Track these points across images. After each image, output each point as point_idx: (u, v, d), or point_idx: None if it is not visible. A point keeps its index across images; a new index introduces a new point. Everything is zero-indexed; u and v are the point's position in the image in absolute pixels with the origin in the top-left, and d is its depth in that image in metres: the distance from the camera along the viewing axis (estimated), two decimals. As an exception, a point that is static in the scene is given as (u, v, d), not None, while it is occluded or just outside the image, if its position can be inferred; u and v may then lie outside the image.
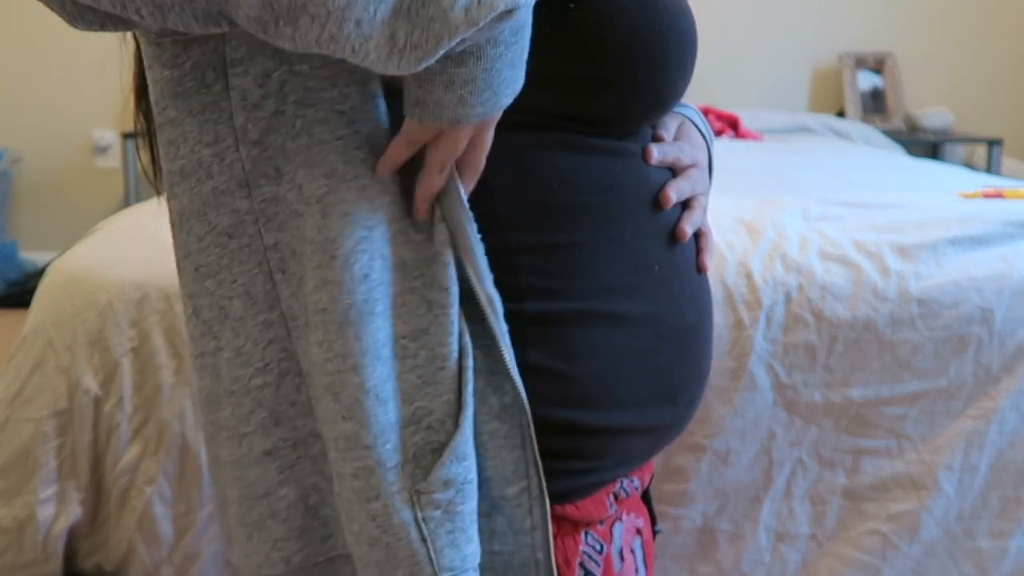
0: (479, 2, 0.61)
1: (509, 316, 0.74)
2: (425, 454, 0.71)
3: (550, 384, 0.75)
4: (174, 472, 1.37)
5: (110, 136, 4.18)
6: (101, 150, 4.20)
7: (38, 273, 3.75)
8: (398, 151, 0.71)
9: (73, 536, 1.40)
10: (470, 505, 0.72)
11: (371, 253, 0.70)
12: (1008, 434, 1.45)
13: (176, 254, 0.76)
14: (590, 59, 0.75)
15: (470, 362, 0.72)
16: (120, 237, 1.62)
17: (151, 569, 1.38)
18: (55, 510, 1.38)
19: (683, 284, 0.83)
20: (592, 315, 0.77)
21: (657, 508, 1.42)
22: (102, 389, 1.38)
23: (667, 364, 0.81)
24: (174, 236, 0.76)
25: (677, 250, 0.83)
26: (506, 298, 0.74)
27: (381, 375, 0.70)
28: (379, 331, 0.70)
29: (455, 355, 0.71)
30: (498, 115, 0.69)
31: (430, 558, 0.70)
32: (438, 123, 0.68)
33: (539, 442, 0.74)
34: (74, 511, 1.38)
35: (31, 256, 4.14)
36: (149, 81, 0.74)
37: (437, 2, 0.61)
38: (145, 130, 0.85)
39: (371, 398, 0.70)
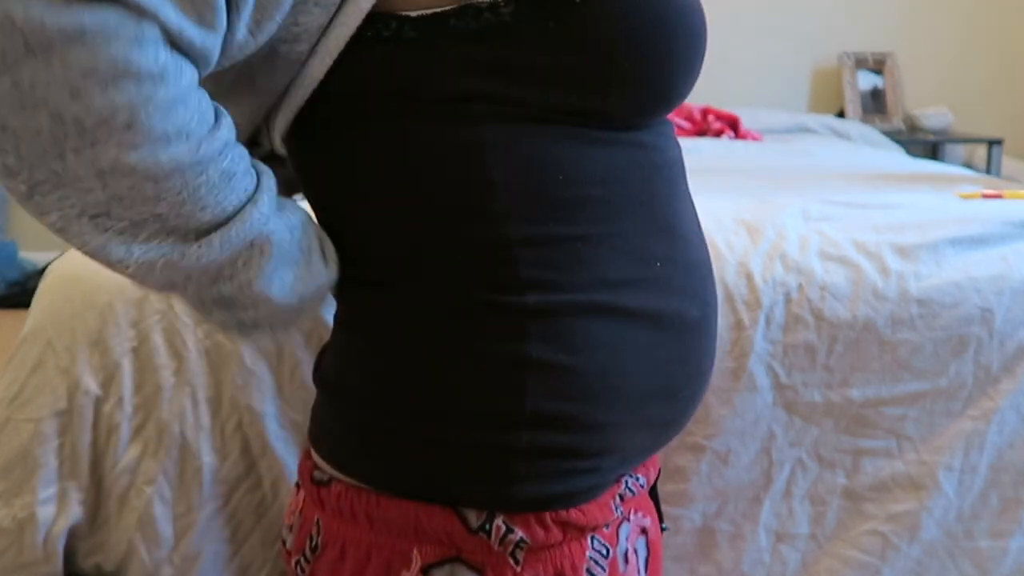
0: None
1: (508, 309, 0.74)
2: None
3: (552, 378, 0.74)
4: (174, 472, 1.37)
5: (110, 136, 4.18)
6: (101, 150, 4.20)
7: (38, 273, 3.75)
8: None
9: (73, 536, 1.40)
10: None
11: None
12: (1008, 434, 1.45)
13: None
14: (595, 55, 0.73)
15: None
16: (120, 237, 1.61)
17: (151, 569, 1.38)
18: (55, 510, 1.38)
19: (684, 281, 0.82)
20: (595, 308, 0.76)
21: (657, 508, 1.42)
22: (102, 389, 1.37)
23: (668, 360, 0.80)
24: None
25: (678, 246, 0.82)
26: (504, 291, 0.74)
27: None
28: None
29: None
30: None
31: None
32: None
33: (541, 439, 0.74)
34: (74, 511, 1.38)
35: (31, 256, 4.13)
36: None
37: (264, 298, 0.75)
38: None
39: None
